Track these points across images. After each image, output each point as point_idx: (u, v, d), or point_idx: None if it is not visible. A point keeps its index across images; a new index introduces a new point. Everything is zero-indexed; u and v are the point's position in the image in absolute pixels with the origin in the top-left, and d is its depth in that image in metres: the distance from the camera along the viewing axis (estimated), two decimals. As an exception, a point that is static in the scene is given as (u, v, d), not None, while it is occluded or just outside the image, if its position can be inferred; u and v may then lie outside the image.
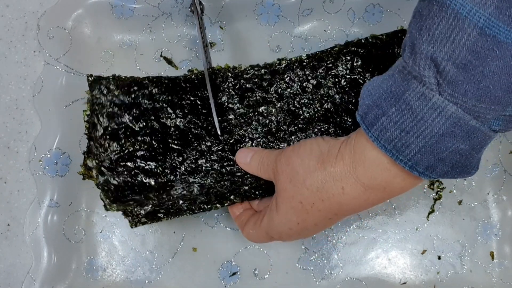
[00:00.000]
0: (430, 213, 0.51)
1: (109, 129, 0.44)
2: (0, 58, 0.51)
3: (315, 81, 0.45)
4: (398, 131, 0.31)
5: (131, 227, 0.45)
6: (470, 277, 0.50)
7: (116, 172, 0.44)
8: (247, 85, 0.46)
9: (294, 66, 0.45)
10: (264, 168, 0.41)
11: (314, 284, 0.50)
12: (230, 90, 0.46)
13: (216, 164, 0.45)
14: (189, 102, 0.45)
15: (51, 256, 0.49)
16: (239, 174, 0.44)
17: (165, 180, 0.44)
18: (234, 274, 0.50)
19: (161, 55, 0.52)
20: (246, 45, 0.52)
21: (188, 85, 0.46)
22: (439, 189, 0.51)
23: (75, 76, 0.51)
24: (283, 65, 0.46)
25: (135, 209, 0.45)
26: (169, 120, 0.45)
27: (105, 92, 0.44)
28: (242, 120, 0.45)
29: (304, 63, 0.45)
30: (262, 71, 0.46)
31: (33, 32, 0.51)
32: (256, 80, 0.46)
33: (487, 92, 0.28)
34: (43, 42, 0.50)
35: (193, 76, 0.46)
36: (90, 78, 0.45)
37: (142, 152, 0.44)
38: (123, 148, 0.44)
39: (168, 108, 0.45)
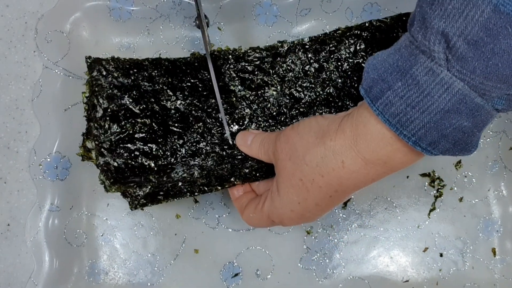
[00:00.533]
0: (431, 210, 0.51)
1: (109, 110, 0.44)
2: (0, 58, 0.51)
3: (317, 65, 0.45)
4: (404, 106, 0.31)
5: (131, 209, 0.45)
6: (472, 274, 0.50)
7: (116, 154, 0.43)
8: (248, 68, 0.45)
9: (296, 49, 0.45)
10: (265, 149, 0.41)
11: (316, 283, 0.50)
12: (231, 72, 0.45)
13: (217, 147, 0.44)
14: (189, 84, 0.45)
15: (52, 260, 0.48)
16: (240, 157, 0.44)
17: (166, 162, 0.43)
18: (236, 275, 0.50)
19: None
20: (245, 46, 0.52)
21: (188, 67, 0.45)
22: (440, 187, 0.51)
23: (74, 79, 0.50)
24: (285, 48, 0.45)
25: (134, 191, 0.44)
26: (169, 102, 0.44)
27: (104, 73, 0.44)
28: (244, 103, 0.45)
29: (307, 46, 0.45)
30: (264, 53, 0.45)
31: (33, 32, 0.51)
32: (257, 62, 0.45)
33: (495, 70, 0.28)
34: (41, 46, 0.50)
35: (193, 59, 0.46)
36: (88, 60, 0.45)
37: (143, 135, 0.44)
38: (123, 130, 0.44)
39: (168, 90, 0.44)
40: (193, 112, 0.44)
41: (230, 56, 0.45)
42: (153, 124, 0.44)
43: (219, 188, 0.44)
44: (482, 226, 0.51)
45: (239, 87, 0.45)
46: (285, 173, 0.38)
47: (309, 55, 0.45)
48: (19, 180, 0.50)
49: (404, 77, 0.31)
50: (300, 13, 0.52)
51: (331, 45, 0.45)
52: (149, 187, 0.44)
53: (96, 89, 0.44)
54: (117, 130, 0.43)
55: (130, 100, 0.44)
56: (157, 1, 0.51)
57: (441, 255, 0.50)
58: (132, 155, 0.43)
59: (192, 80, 0.45)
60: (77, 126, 0.50)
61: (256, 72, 0.45)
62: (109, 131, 0.43)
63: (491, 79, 0.29)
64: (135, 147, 0.43)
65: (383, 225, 0.51)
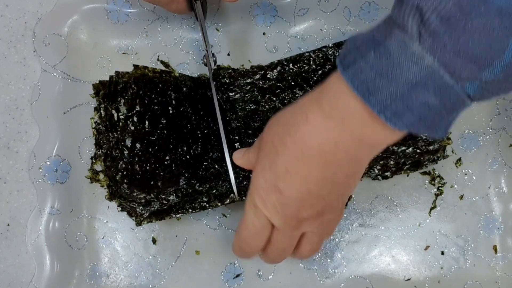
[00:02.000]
0: (432, 208, 0.51)
1: (137, 111, 0.44)
2: (0, 58, 0.51)
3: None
4: (373, 74, 0.31)
5: (136, 226, 0.46)
6: (473, 272, 0.50)
7: (142, 159, 0.44)
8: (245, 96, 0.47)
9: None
10: (252, 150, 0.41)
11: (318, 283, 0.50)
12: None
13: (216, 164, 0.45)
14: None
15: (53, 263, 0.48)
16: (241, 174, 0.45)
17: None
18: (238, 276, 0.50)
19: (158, 59, 0.52)
20: (243, 47, 0.52)
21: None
22: (440, 185, 0.51)
23: (72, 82, 0.50)
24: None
25: (139, 210, 0.45)
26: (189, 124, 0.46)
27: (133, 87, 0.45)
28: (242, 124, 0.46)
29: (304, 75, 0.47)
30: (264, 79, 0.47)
31: (33, 33, 0.51)
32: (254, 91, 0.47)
33: (465, 47, 0.29)
34: (39, 49, 0.50)
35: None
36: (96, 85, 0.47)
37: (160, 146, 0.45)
38: (148, 134, 0.44)
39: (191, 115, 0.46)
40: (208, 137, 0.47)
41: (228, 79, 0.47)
42: (171, 139, 0.45)
43: (219, 204, 0.46)
44: (483, 223, 0.51)
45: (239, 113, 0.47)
46: (261, 143, 0.39)
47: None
48: (19, 180, 0.50)
49: (378, 48, 0.31)
50: (298, 13, 0.52)
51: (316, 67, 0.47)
52: (156, 206, 0.45)
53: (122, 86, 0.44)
54: (145, 130, 0.44)
55: (156, 109, 0.45)
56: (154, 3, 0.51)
57: (442, 253, 0.50)
58: (152, 161, 0.44)
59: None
60: (77, 128, 0.50)
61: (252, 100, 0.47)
62: (135, 131, 0.44)
63: (461, 57, 0.29)
64: (154, 157, 0.44)
65: (384, 224, 0.51)
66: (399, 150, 0.46)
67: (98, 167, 0.49)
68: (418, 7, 0.29)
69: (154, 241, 0.50)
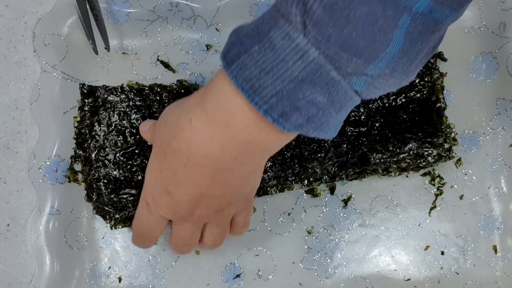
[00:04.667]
0: (432, 208, 0.51)
1: (116, 125, 0.46)
2: (0, 58, 0.51)
3: None
4: (258, 71, 0.29)
5: (111, 229, 0.48)
6: (473, 272, 0.50)
7: (118, 166, 0.45)
8: None
9: None
10: (156, 129, 0.40)
11: (318, 283, 0.50)
12: None
13: None
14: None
15: (53, 264, 0.48)
16: None
17: None
18: (237, 276, 0.50)
19: (158, 59, 0.52)
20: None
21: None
22: (440, 185, 0.51)
23: (72, 82, 0.50)
24: None
25: (112, 214, 0.47)
26: None
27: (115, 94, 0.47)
28: None
29: None
30: None
31: (33, 33, 0.51)
32: None
33: (350, 39, 0.27)
34: (39, 49, 0.50)
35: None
36: (84, 88, 0.48)
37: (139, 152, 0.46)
38: (128, 145, 0.45)
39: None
40: None
41: None
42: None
43: None
44: (483, 223, 0.51)
45: None
46: (155, 136, 0.37)
47: None
48: (19, 180, 0.50)
49: (262, 41, 0.29)
50: (298, 13, 0.52)
51: None
52: (131, 213, 0.46)
53: (108, 105, 0.46)
54: (122, 145, 0.45)
55: (137, 119, 0.46)
56: (154, 3, 0.51)
57: (442, 253, 0.50)
58: (133, 169, 0.45)
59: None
60: (76, 129, 0.50)
61: None
62: (114, 145, 0.45)
63: (345, 50, 0.27)
64: (135, 163, 0.45)
65: (384, 224, 0.51)
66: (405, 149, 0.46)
67: (78, 166, 0.49)
68: None
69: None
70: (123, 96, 0.46)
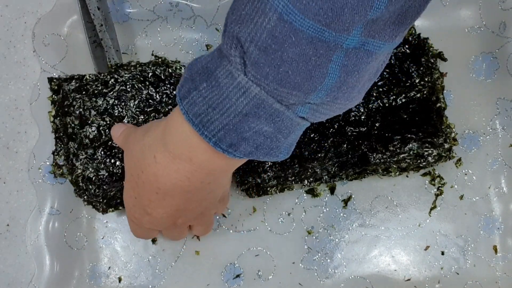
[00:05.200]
0: (432, 209, 0.51)
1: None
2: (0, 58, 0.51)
3: None
4: (206, 107, 0.31)
5: (102, 213, 0.48)
6: (474, 272, 0.50)
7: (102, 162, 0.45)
8: None
9: None
10: (127, 138, 0.42)
11: (318, 283, 0.50)
12: None
13: None
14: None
15: (53, 264, 0.48)
16: None
17: None
18: (237, 276, 0.50)
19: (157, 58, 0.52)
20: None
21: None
22: (440, 185, 0.51)
23: (72, 82, 0.50)
24: None
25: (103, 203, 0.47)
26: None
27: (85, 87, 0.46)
28: None
29: None
30: None
31: (32, 33, 0.51)
32: None
33: (286, 77, 0.29)
34: (39, 49, 0.50)
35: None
36: (54, 82, 0.48)
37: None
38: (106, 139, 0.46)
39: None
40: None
41: None
42: None
43: None
44: (483, 223, 0.51)
45: None
46: (125, 166, 0.40)
47: None
48: (19, 180, 0.50)
49: (209, 79, 0.31)
50: (297, 13, 0.52)
51: None
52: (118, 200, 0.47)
53: (74, 101, 0.46)
54: (98, 138, 0.45)
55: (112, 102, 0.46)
56: (154, 3, 0.51)
57: (442, 253, 0.50)
58: (113, 161, 0.45)
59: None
60: (76, 129, 0.50)
61: None
62: (89, 138, 0.45)
63: (284, 86, 0.29)
64: (118, 154, 0.45)
65: (384, 224, 0.51)
66: (405, 149, 0.47)
67: (61, 161, 0.49)
68: (237, 38, 0.29)
69: (154, 241, 0.50)
70: (88, 86, 0.46)
